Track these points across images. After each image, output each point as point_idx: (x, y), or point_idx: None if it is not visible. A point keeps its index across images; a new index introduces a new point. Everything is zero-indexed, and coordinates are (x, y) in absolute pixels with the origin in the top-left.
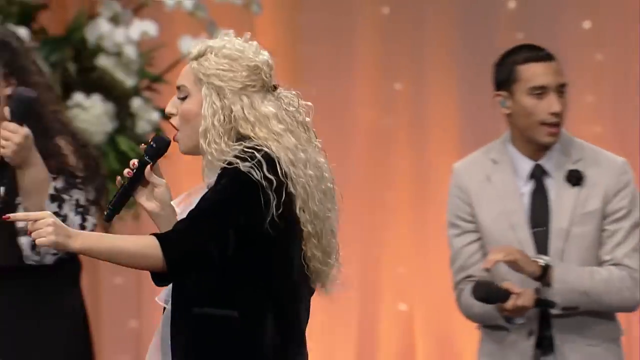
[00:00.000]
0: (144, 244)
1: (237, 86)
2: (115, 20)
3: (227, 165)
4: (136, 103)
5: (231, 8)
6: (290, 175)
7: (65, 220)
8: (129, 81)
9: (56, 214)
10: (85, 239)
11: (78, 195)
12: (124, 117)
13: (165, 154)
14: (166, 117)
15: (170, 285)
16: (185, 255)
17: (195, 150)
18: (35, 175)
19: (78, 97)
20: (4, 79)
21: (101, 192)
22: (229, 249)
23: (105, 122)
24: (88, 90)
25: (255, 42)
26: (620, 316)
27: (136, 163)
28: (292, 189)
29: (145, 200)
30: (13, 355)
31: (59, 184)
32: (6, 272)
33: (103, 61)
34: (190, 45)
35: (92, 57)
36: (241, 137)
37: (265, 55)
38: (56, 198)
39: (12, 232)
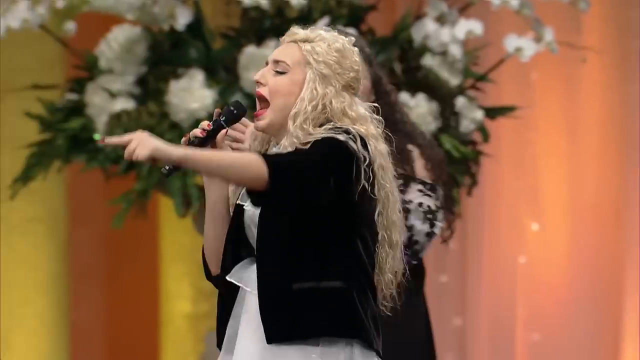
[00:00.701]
0: (247, 156)
1: (342, 82)
2: (441, 19)
3: (320, 137)
4: (460, 102)
5: (558, 5)
6: (378, 177)
7: (411, 230)
8: (453, 80)
9: None
10: (186, 149)
11: (428, 202)
12: (448, 116)
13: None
14: (489, 115)
15: (240, 266)
16: (288, 171)
17: (273, 128)
18: None
19: (404, 96)
20: (370, 92)
21: (448, 196)
22: (328, 195)
23: (429, 121)
24: (413, 89)
25: (356, 49)
26: None
27: (210, 124)
28: (375, 192)
29: None
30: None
31: (409, 195)
32: None
33: (428, 61)
34: (515, 43)
35: (418, 57)
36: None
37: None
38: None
39: None
